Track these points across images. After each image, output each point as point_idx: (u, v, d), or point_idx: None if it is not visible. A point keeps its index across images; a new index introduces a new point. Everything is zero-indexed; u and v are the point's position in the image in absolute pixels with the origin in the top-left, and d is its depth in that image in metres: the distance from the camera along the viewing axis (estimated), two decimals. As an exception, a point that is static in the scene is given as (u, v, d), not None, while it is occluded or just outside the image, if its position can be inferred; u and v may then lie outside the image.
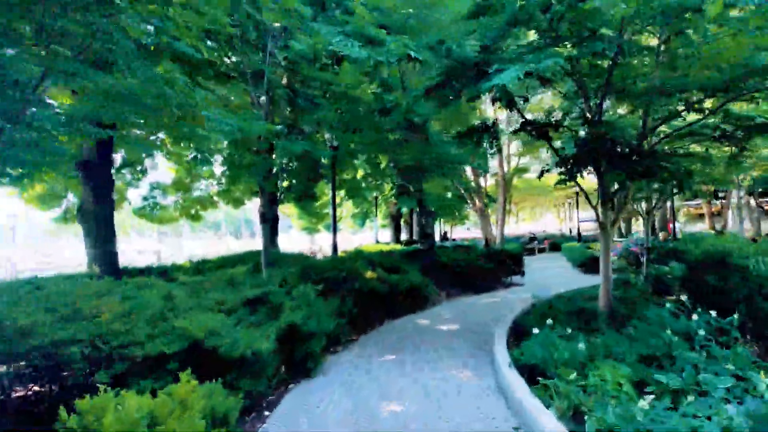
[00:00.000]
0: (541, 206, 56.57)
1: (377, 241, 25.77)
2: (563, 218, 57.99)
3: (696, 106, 5.58)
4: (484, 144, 7.19)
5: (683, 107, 5.62)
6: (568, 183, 7.09)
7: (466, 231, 60.66)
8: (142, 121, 8.63)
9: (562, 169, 6.89)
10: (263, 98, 8.37)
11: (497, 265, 13.09)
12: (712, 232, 21.33)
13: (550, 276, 15.44)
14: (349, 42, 6.21)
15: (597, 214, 6.60)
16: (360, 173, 21.58)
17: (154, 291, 5.92)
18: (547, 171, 7.39)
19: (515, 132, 6.83)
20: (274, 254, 12.98)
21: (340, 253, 18.42)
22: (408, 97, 11.79)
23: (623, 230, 28.73)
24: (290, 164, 14.52)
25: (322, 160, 14.85)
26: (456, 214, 32.25)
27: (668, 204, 21.18)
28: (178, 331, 4.72)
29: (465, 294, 12.01)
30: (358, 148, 11.89)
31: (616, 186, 6.56)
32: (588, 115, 6.23)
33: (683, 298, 4.75)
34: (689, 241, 14.21)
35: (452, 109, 14.49)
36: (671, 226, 28.46)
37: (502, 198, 22.12)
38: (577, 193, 29.22)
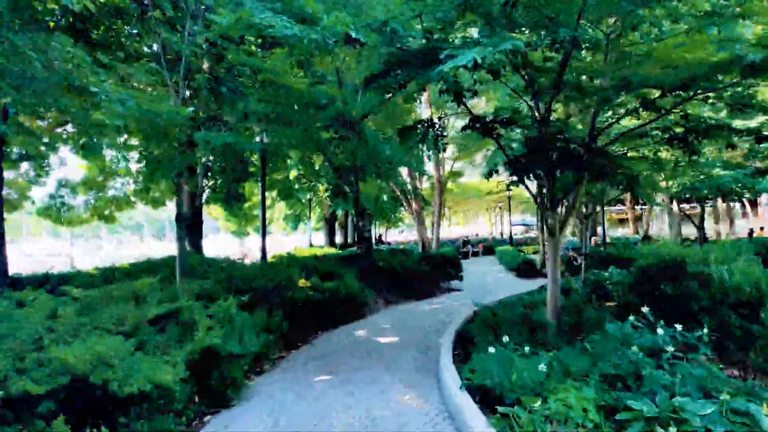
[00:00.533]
0: (473, 210, 57.99)
1: (311, 245, 24.81)
2: (494, 222, 59.86)
3: (651, 105, 5.37)
4: (426, 143, 6.71)
5: (638, 104, 5.40)
6: (498, 185, 6.79)
7: (399, 234, 60.94)
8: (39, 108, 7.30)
9: (508, 172, 6.55)
10: (181, 83, 7.34)
11: (436, 269, 12.71)
12: (638, 236, 22.42)
13: (487, 280, 15.35)
14: (279, 18, 5.44)
15: (545, 218, 6.28)
16: (293, 174, 20.61)
17: (36, 308, 4.83)
18: (495, 172, 7.01)
19: (463, 129, 6.37)
20: (195, 260, 11.80)
21: (270, 258, 17.37)
22: (345, 92, 11.14)
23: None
24: (215, 161, 13.36)
25: (252, 159, 13.81)
26: (391, 217, 32.09)
27: (597, 209, 22.07)
28: (56, 363, 3.74)
29: (404, 300, 11.51)
30: (291, 143, 11.01)
31: (561, 191, 6.29)
32: (537, 114, 5.88)
33: (645, 310, 4.42)
34: (625, 245, 14.54)
35: (388, 110, 14.04)
36: (599, 230, 29.75)
37: (438, 201, 22.01)
38: (509, 198, 29.94)
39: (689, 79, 4.57)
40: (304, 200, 23.29)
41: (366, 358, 6.56)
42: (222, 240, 39.41)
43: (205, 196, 14.43)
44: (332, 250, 21.27)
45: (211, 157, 12.93)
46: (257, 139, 10.07)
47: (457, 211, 57.03)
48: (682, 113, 5.29)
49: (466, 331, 7.11)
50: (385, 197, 26.47)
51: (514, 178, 6.38)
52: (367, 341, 7.59)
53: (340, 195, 15.67)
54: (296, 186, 21.56)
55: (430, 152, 12.08)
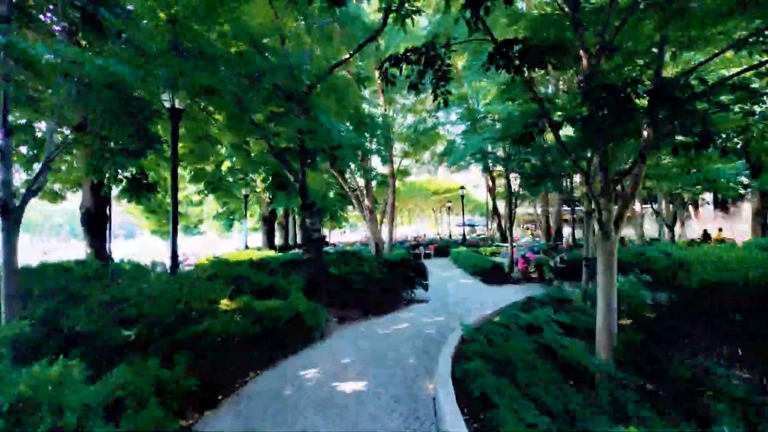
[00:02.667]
0: (417, 210, 56.67)
1: (247, 247, 21.89)
2: (439, 222, 58.84)
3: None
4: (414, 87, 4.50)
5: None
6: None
7: (341, 235, 58.34)
8: None
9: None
10: None
11: (399, 278, 10.53)
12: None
13: (451, 288, 13.36)
14: None
15: (598, 208, 4.21)
16: (226, 165, 17.73)
17: None
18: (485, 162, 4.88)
19: (483, 65, 4.19)
20: (90, 268, 8.97)
21: (200, 261, 14.50)
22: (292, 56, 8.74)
23: (507, 235, 28.52)
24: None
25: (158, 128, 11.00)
26: (339, 216, 29.68)
27: (555, 209, 20.83)
28: None
29: (362, 317, 9.21)
30: (219, 125, 8.45)
31: (617, 166, 4.29)
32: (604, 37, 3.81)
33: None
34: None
35: (337, 89, 11.73)
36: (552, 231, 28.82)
37: (391, 198, 19.87)
38: (462, 197, 28.41)
39: None
40: (239, 195, 20.33)
41: (323, 425, 4.24)
42: (148, 242, 35.38)
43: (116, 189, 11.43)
44: (271, 253, 18.66)
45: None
46: (165, 101, 7.40)
47: (402, 210, 55.50)
48: None
49: (466, 373, 4.96)
50: (331, 194, 24.07)
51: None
52: (322, 389, 5.24)
53: (282, 186, 13.12)
54: (230, 179, 18.68)
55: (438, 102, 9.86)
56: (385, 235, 20.07)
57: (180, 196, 24.22)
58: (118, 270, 8.63)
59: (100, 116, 6.44)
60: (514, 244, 22.65)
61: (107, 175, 10.50)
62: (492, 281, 14.00)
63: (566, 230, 25.03)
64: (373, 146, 12.26)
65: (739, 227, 30.02)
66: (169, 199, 18.62)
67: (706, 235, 24.66)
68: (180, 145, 14.71)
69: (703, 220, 32.99)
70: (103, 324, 4.77)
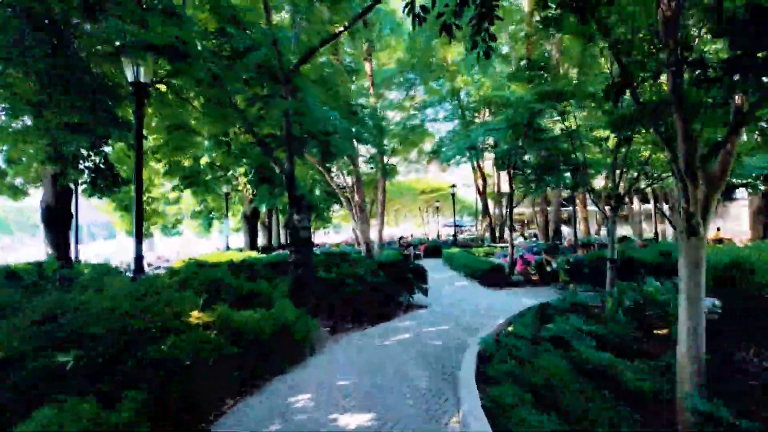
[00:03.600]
0: (403, 210, 55.74)
1: (228, 248, 20.63)
2: (426, 222, 57.99)
3: None
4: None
5: None
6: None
7: (324, 235, 56.98)
8: None
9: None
10: None
11: (397, 282, 9.52)
12: (596, 237, 20.67)
13: (450, 292, 12.41)
14: None
15: (685, 194, 3.22)
16: (204, 160, 16.47)
17: None
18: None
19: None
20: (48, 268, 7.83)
21: (175, 266, 13.32)
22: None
23: (497, 235, 27.72)
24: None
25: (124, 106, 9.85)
26: (325, 215, 28.56)
27: (554, 207, 20.04)
28: None
29: (356, 326, 8.17)
30: (197, 113, 7.36)
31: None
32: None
33: None
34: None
35: (325, 79, 10.70)
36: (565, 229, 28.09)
37: (381, 196, 18.86)
38: (453, 195, 27.54)
39: None
40: (219, 192, 19.06)
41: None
42: (124, 243, 33.81)
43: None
44: (254, 254, 17.52)
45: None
46: (128, 75, 6.26)
47: (387, 211, 54.44)
48: None
49: (497, 403, 3.97)
50: (318, 191, 22.94)
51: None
52: (316, 422, 4.19)
53: (266, 179, 12.01)
54: (209, 176, 17.43)
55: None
56: (374, 235, 19.05)
57: (156, 193, 22.83)
58: (71, 274, 7.44)
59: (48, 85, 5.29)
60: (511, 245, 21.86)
61: (68, 165, 9.30)
62: (491, 284, 13.08)
63: (564, 229, 24.33)
64: (366, 136, 11.29)
65: (728, 226, 29.65)
66: (144, 197, 17.35)
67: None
68: (153, 136, 13.49)
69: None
70: (33, 347, 3.67)
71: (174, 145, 12.34)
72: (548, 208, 17.62)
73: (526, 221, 52.14)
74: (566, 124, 9.39)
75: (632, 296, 6.56)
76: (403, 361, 6.00)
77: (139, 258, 6.60)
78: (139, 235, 6.63)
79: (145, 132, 12.86)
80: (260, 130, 8.29)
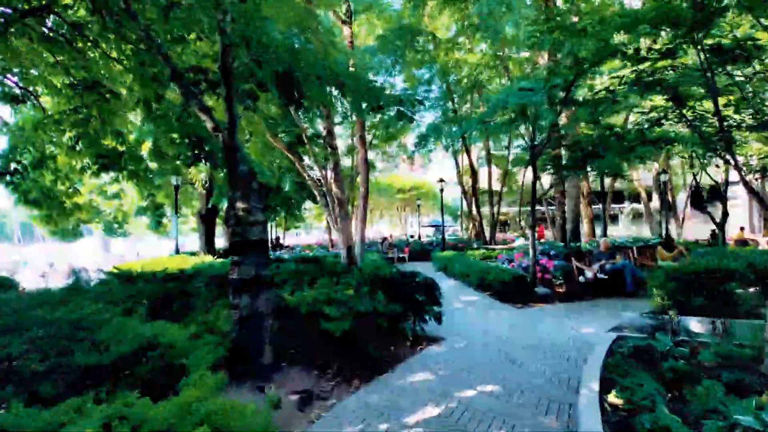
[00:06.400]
0: (385, 209, 52.74)
1: (178, 251, 17.04)
2: (404, 223, 55.08)
3: None
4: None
5: None
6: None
7: (296, 237, 53.20)
8: None
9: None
10: None
11: (400, 301, 6.34)
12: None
13: (464, 313, 9.35)
14: None
15: None
16: (145, 146, 12.90)
17: None
18: None
19: None
20: None
21: (115, 268, 9.98)
22: None
23: (488, 236, 24.85)
24: None
25: None
26: (296, 212, 25.16)
27: (572, 203, 17.19)
28: None
29: (343, 388, 4.95)
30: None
31: None
32: None
33: None
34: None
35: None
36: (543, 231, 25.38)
37: (363, 189, 15.59)
38: (441, 191, 24.53)
39: None
40: (160, 182, 15.43)
41: None
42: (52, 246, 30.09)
43: None
44: (208, 259, 14.14)
45: None
46: None
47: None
48: None
49: None
50: (287, 183, 19.52)
51: None
52: None
53: (198, 145, 8.56)
54: (152, 163, 13.81)
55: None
56: (355, 236, 15.78)
57: (91, 184, 19.02)
58: None
59: None
60: (510, 247, 18.91)
61: None
62: (510, 299, 10.05)
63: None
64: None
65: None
66: (61, 186, 13.65)
67: (714, 235, 21.90)
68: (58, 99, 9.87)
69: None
70: None
71: (82, 111, 8.85)
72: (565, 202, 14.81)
73: (508, 221, 49.84)
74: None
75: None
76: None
77: None
78: None
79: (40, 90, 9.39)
80: (180, 56, 5.04)
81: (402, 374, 5.31)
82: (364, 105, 7.22)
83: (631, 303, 9.55)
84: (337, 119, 22.04)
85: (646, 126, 8.48)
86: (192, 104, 4.74)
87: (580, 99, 8.75)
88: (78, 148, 9.44)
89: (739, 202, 31.40)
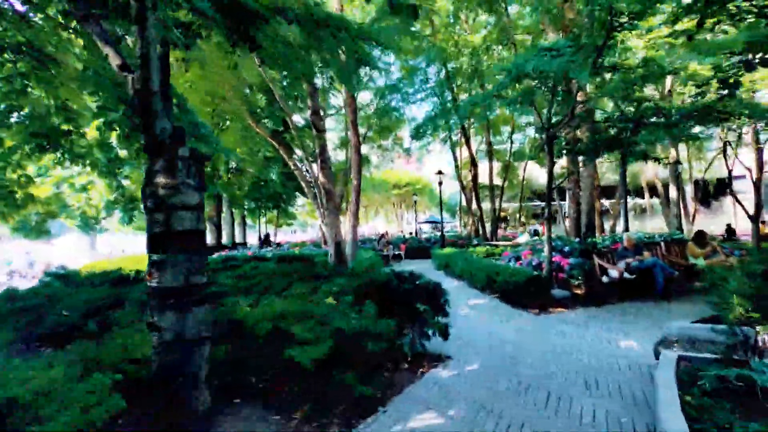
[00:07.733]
0: (379, 205, 51.33)
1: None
2: (399, 219, 53.54)
3: None
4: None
5: None
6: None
7: (292, 234, 51.73)
8: None
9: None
10: None
11: (396, 313, 4.91)
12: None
13: (473, 322, 7.92)
14: None
15: None
16: (114, 135, 11.36)
17: None
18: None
19: None
20: None
21: (87, 268, 8.50)
22: None
23: (488, 232, 23.44)
24: None
25: None
26: (287, 207, 23.78)
27: (587, 193, 15.79)
28: None
29: (317, 430, 3.57)
30: None
31: None
32: None
33: None
34: None
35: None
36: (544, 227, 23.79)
37: (356, 182, 14.14)
38: (440, 183, 23.10)
39: None
40: (124, 173, 13.89)
41: None
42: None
43: None
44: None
45: None
46: None
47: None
48: None
49: None
50: (274, 175, 18.05)
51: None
52: None
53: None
54: (119, 151, 12.26)
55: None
56: (346, 232, 14.33)
57: (55, 176, 17.42)
58: None
59: None
60: (515, 243, 17.49)
61: None
62: (524, 303, 8.64)
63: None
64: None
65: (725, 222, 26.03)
66: (13, 175, 12.07)
67: (730, 231, 20.58)
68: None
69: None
70: None
71: (18, 82, 7.35)
72: (580, 194, 13.35)
73: (507, 217, 48.41)
74: None
75: None
76: None
77: None
78: None
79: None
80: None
81: (397, 413, 3.88)
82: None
83: (665, 307, 8.20)
84: (331, 112, 20.61)
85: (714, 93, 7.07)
86: (90, 30, 3.29)
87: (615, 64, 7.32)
88: (9, 123, 7.89)
89: (748, 196, 30.09)
